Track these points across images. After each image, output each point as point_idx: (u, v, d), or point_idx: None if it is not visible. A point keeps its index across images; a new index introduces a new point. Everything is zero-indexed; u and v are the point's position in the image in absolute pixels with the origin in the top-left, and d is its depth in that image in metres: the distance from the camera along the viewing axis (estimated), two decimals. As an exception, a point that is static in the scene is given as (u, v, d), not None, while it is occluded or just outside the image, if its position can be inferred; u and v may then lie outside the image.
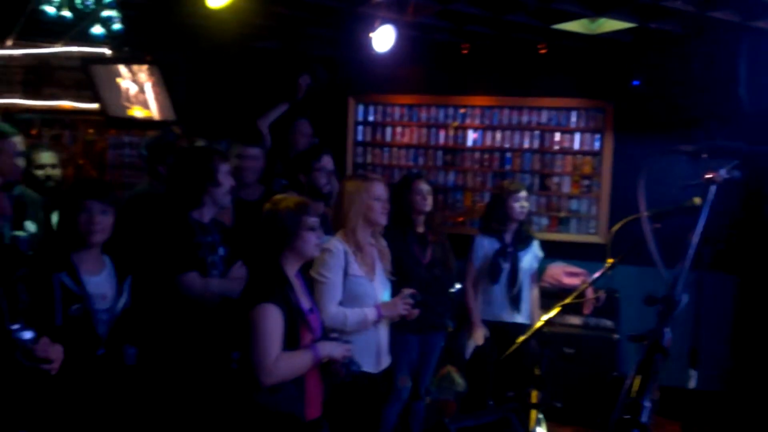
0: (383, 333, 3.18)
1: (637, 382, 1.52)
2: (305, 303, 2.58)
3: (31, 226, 3.42)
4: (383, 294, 3.16)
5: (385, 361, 3.20)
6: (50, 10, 4.54)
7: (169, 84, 5.90)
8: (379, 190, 3.14)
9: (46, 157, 4.24)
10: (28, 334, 1.79)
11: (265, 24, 5.07)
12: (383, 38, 4.70)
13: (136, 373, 2.58)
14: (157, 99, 6.08)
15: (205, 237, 2.98)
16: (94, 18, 4.80)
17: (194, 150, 3.43)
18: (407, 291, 3.10)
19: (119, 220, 2.60)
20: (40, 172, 4.19)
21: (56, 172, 4.25)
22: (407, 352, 3.82)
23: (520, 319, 4.23)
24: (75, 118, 6.93)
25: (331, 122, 5.91)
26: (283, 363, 2.38)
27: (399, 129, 6.09)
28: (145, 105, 6.21)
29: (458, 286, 4.51)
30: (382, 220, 3.15)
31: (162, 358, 2.80)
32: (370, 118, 6.16)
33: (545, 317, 2.86)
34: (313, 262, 2.95)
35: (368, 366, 2.96)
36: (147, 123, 6.27)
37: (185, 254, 2.87)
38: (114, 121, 6.55)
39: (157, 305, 2.84)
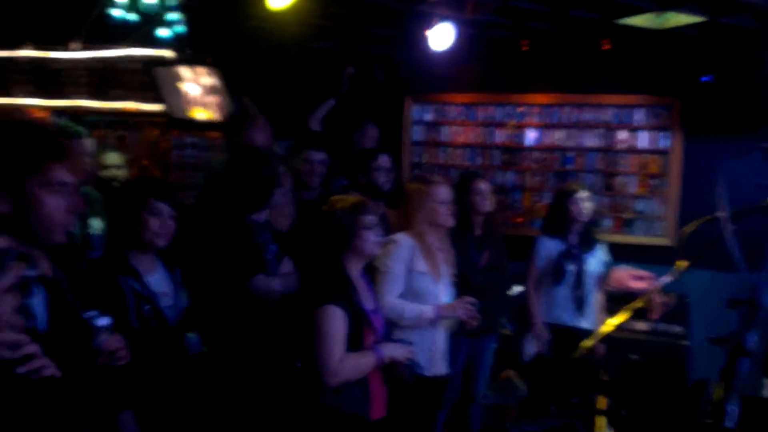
0: (440, 337, 3.13)
1: (720, 386, 1.45)
2: (368, 303, 2.57)
3: (97, 224, 3.52)
4: (446, 297, 3.12)
5: (440, 367, 3.15)
6: (116, 13, 4.67)
7: (229, 85, 5.99)
8: (444, 193, 3.12)
9: (113, 157, 4.37)
10: (105, 321, 1.80)
11: (324, 24, 5.10)
12: (441, 36, 4.65)
13: (201, 361, 2.60)
14: (217, 100, 6.19)
15: (261, 237, 3.02)
16: (159, 21, 4.92)
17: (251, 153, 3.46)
18: (468, 299, 3.05)
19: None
20: (106, 173, 4.31)
21: (121, 172, 4.37)
22: (456, 355, 3.77)
23: (584, 323, 4.10)
24: (139, 119, 7.12)
25: (388, 122, 5.89)
26: (348, 364, 2.38)
27: (456, 128, 6.03)
28: (206, 106, 6.33)
29: (519, 288, 4.41)
30: (448, 222, 3.14)
31: (227, 354, 2.83)
32: (427, 118, 6.11)
33: (613, 321, 2.75)
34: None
35: (423, 369, 2.93)
36: (208, 124, 6.39)
37: (253, 257, 2.91)
38: (177, 122, 6.70)
39: (221, 303, 2.88)
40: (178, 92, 6.41)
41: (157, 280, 2.56)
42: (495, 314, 3.91)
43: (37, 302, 1.52)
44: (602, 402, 2.70)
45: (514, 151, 5.87)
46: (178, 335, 2.53)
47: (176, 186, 5.61)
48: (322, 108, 4.78)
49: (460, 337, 3.66)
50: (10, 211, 1.48)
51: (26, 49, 6.79)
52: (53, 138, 1.59)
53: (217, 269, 2.91)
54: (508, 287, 4.33)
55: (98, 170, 4.22)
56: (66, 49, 6.67)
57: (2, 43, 6.72)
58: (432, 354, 3.09)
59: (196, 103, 6.39)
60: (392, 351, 2.51)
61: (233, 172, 3.18)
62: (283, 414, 2.72)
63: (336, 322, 2.37)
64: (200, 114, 6.44)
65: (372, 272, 2.90)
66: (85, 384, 1.60)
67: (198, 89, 6.28)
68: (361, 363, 2.43)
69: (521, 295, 4.36)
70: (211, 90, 6.19)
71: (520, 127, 5.84)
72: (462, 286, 3.32)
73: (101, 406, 1.83)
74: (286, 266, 3.04)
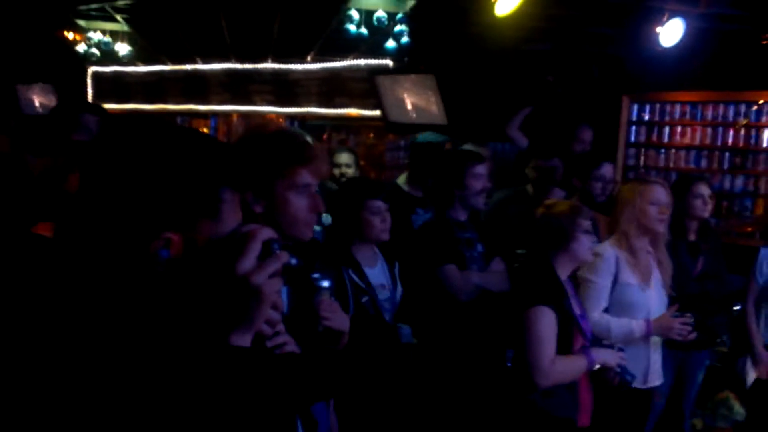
0: (656, 349, 2.98)
1: None
2: (576, 308, 2.55)
3: (327, 219, 3.88)
4: (659, 307, 2.95)
5: (654, 379, 3.00)
6: (352, 28, 5.10)
7: (443, 90, 6.21)
8: (659, 194, 2.94)
9: (344, 157, 4.78)
10: (326, 282, 1.89)
11: (541, 26, 5.08)
12: (671, 32, 4.41)
13: (411, 352, 2.73)
14: (432, 105, 6.44)
15: (463, 233, 3.11)
16: (387, 33, 5.26)
17: (448, 154, 3.58)
18: (683, 317, 2.86)
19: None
20: (336, 171, 4.72)
21: (350, 171, 4.75)
22: (665, 367, 3.53)
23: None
24: (359, 123, 7.65)
25: (601, 122, 5.69)
26: (559, 366, 2.38)
27: (679, 128, 5.64)
28: (420, 110, 6.62)
29: (737, 307, 4.02)
30: (658, 226, 2.94)
31: (437, 347, 2.95)
32: (646, 118, 5.79)
33: None
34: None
35: (635, 381, 2.81)
36: (422, 127, 6.68)
37: (443, 248, 3.01)
38: (392, 126, 7.09)
39: (428, 297, 3.02)
40: (395, 98, 6.78)
41: (376, 273, 2.72)
42: (711, 328, 3.61)
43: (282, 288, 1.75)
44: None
45: (746, 153, 5.34)
46: (392, 327, 2.68)
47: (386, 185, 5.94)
48: (519, 115, 4.77)
49: (670, 348, 3.45)
50: (262, 211, 1.67)
51: (268, 62, 7.65)
52: (299, 145, 1.77)
53: (414, 261, 3.04)
54: (729, 300, 3.96)
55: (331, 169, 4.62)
56: (301, 61, 7.39)
57: (247, 57, 7.64)
58: (643, 365, 2.96)
59: (411, 107, 6.71)
60: (604, 356, 2.47)
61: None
62: (491, 411, 2.78)
63: (547, 323, 2.38)
64: (415, 118, 6.74)
65: (575, 281, 2.86)
66: (314, 364, 1.75)
67: (413, 94, 6.59)
68: (573, 366, 2.42)
69: (742, 312, 3.97)
70: (425, 95, 6.46)
71: (754, 127, 5.30)
72: (674, 296, 3.13)
73: (322, 388, 1.93)
74: (497, 265, 3.10)
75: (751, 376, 3.73)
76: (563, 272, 2.55)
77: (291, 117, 8.06)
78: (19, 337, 1.04)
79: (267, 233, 1.01)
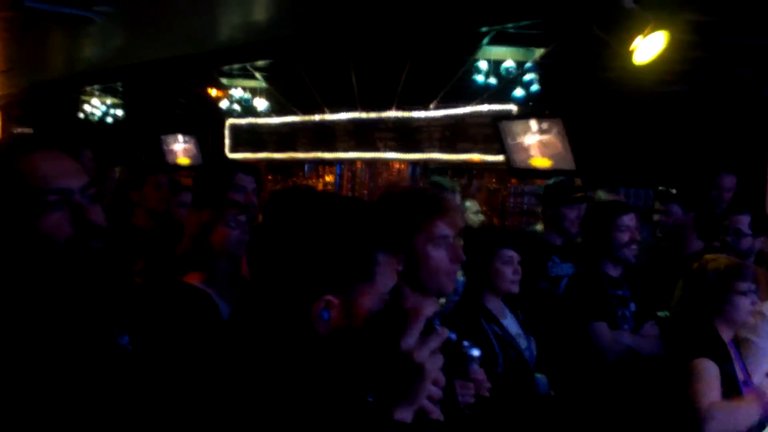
0: None
1: None
2: (740, 373, 2.38)
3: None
4: None
5: None
6: (479, 78, 5.15)
7: (571, 135, 6.10)
8: None
9: (470, 205, 4.81)
10: (477, 351, 1.91)
11: (681, 69, 4.89)
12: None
13: (549, 403, 2.63)
14: (558, 150, 6.33)
15: (615, 290, 2.99)
16: (515, 81, 5.27)
17: (595, 206, 3.49)
18: None
19: None
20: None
21: (479, 218, 4.77)
22: None
23: None
24: (481, 168, 7.64)
25: (746, 166, 5.34)
26: (722, 408, 2.22)
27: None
28: (546, 156, 6.52)
29: None
30: None
31: (569, 399, 2.84)
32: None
33: None
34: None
35: None
36: (547, 173, 6.57)
37: (597, 303, 2.91)
38: (516, 171, 7.02)
39: (571, 352, 2.92)
40: (519, 143, 6.72)
41: (509, 323, 2.68)
42: None
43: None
44: None
45: None
46: (531, 377, 2.61)
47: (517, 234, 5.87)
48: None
49: None
50: (402, 267, 1.67)
51: (392, 110, 7.86)
52: (434, 198, 1.80)
53: (560, 313, 2.95)
54: None
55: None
56: (425, 109, 7.53)
57: (373, 106, 7.89)
58: None
59: (536, 153, 6.63)
60: None
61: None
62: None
63: (709, 371, 2.25)
64: (540, 163, 6.65)
65: (738, 343, 2.67)
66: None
67: (539, 139, 6.51)
68: (739, 411, 2.25)
69: None
70: (552, 140, 6.36)
71: None
72: None
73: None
74: (651, 329, 2.95)
75: None
76: (724, 334, 2.40)
77: (413, 163, 8.20)
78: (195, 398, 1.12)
79: (430, 310, 1.04)
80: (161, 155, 10.28)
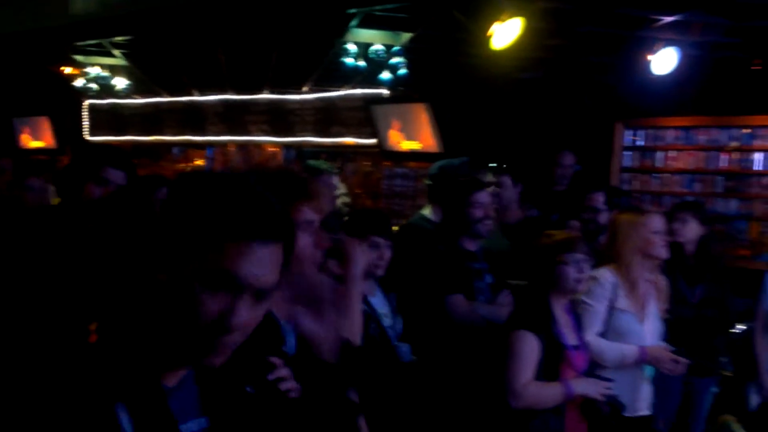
0: (644, 376, 2.99)
1: None
2: (570, 339, 2.57)
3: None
4: (653, 336, 2.97)
5: (642, 408, 3.00)
6: (348, 60, 5.19)
7: (438, 118, 6.29)
8: (658, 223, 2.99)
9: (339, 187, 4.82)
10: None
11: (536, 56, 5.17)
12: (664, 60, 4.50)
13: (412, 369, 2.73)
14: (426, 133, 6.52)
15: (473, 264, 3.12)
16: (384, 65, 5.35)
17: (454, 183, 3.58)
18: (673, 355, 2.89)
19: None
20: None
21: (346, 200, 4.79)
22: (669, 396, 3.53)
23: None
24: (355, 152, 7.72)
25: (593, 149, 5.77)
26: (532, 390, 2.42)
27: (672, 153, 5.72)
28: (415, 139, 6.70)
29: (741, 327, 4.04)
30: (663, 253, 2.98)
31: (435, 365, 2.95)
32: (639, 143, 5.88)
33: None
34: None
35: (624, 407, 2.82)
36: (417, 155, 6.75)
37: (453, 277, 3.02)
38: (388, 154, 7.16)
39: (428, 325, 3.02)
40: (390, 127, 6.86)
41: (377, 301, 2.76)
42: (712, 355, 3.61)
43: (288, 329, 1.76)
44: None
45: (739, 176, 5.42)
46: (394, 348, 2.69)
47: (388, 214, 5.97)
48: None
49: (669, 378, 3.45)
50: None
51: (264, 93, 7.73)
52: (301, 182, 1.77)
53: (421, 288, 3.04)
54: (729, 323, 3.98)
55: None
56: (297, 92, 7.47)
57: (244, 88, 7.71)
58: (635, 394, 2.96)
59: (406, 136, 6.79)
60: (584, 387, 2.48)
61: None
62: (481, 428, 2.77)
63: (527, 347, 2.42)
64: (409, 146, 6.82)
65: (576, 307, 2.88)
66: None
67: (409, 123, 6.67)
68: (546, 392, 2.44)
69: (745, 335, 3.99)
70: (420, 124, 6.54)
71: (747, 151, 5.39)
72: (672, 323, 3.14)
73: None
74: (504, 298, 3.09)
75: (755, 400, 3.73)
76: (557, 303, 2.58)
77: (287, 146, 8.13)
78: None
79: None
80: (12, 138, 9.51)
